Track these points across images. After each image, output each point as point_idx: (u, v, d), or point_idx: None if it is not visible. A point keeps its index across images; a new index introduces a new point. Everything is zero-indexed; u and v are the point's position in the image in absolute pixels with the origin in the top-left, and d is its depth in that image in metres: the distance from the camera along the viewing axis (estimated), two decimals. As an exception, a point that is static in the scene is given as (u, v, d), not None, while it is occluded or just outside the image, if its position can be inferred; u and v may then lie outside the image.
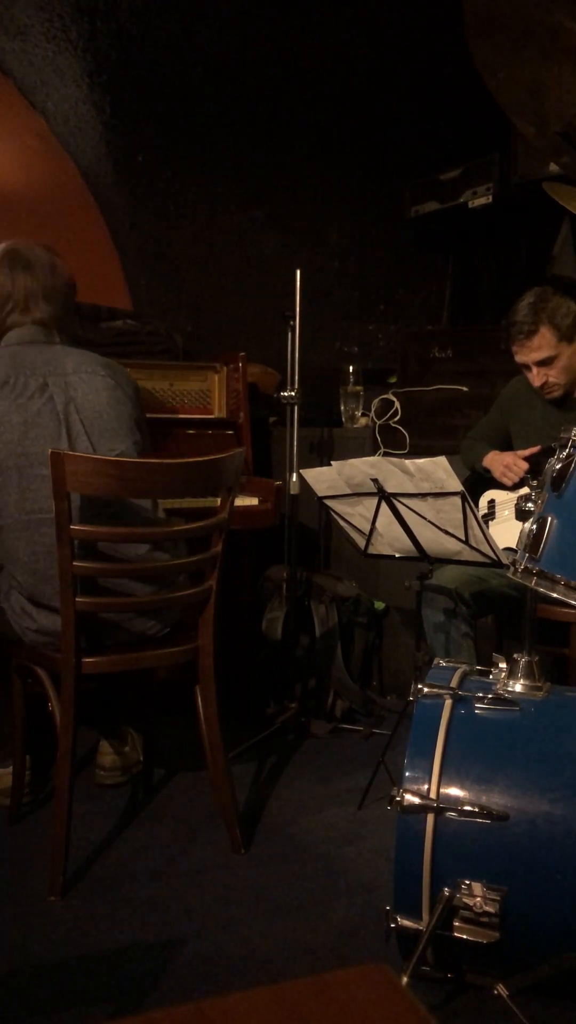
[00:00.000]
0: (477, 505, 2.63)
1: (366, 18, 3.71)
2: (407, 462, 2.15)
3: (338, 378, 3.65)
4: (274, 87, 3.85)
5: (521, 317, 2.64)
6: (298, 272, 2.97)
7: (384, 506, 2.30)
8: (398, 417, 3.46)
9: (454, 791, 1.65)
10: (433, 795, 1.64)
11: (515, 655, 1.84)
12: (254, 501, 3.10)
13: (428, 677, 1.84)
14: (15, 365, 2.15)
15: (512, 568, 1.75)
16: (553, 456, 1.73)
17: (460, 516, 2.19)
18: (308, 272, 3.08)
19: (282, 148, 4.00)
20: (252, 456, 3.39)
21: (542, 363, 2.67)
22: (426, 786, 1.65)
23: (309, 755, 2.92)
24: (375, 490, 2.26)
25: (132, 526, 2.22)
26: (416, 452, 3.30)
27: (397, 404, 3.47)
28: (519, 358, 2.71)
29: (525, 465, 2.73)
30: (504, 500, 2.87)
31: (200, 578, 2.30)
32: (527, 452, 2.77)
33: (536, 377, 2.71)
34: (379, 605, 3.39)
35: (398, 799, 1.65)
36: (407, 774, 1.68)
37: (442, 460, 2.11)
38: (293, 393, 2.99)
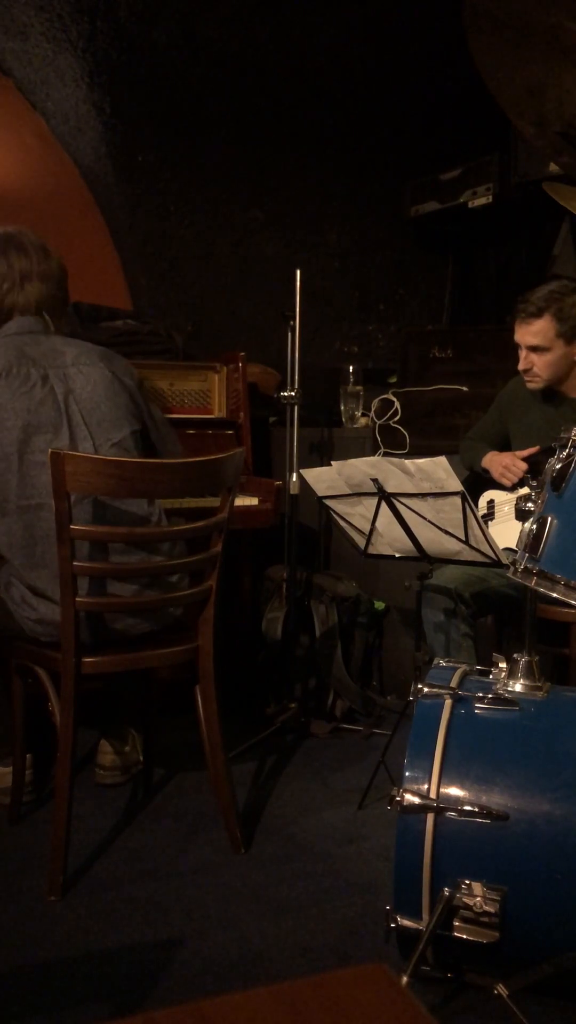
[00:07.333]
0: (476, 505, 2.63)
1: (366, 18, 3.71)
2: (407, 462, 2.15)
3: (338, 378, 3.65)
4: (274, 87, 3.85)
5: (534, 298, 2.67)
6: (298, 272, 2.97)
7: (384, 506, 2.30)
8: (398, 417, 3.46)
9: (454, 791, 1.65)
10: (433, 795, 1.64)
11: (515, 655, 1.84)
12: (254, 501, 3.10)
13: (428, 677, 1.84)
14: (17, 355, 2.19)
15: (512, 568, 1.75)
16: (553, 456, 1.74)
17: (460, 516, 2.19)
18: (308, 272, 3.08)
19: (282, 148, 4.00)
20: (252, 456, 3.39)
21: (534, 349, 2.70)
22: (426, 786, 1.65)
23: (309, 755, 2.92)
24: (375, 490, 2.26)
25: (123, 524, 2.22)
26: (416, 452, 3.29)
27: (397, 404, 3.47)
28: (516, 336, 2.75)
29: (524, 466, 2.73)
30: (503, 500, 2.87)
31: (200, 578, 2.30)
32: (526, 452, 2.77)
33: (522, 361, 2.74)
34: (379, 605, 3.39)
35: (398, 799, 1.65)
36: (407, 774, 1.68)
37: (442, 460, 2.11)
38: (293, 393, 2.99)
